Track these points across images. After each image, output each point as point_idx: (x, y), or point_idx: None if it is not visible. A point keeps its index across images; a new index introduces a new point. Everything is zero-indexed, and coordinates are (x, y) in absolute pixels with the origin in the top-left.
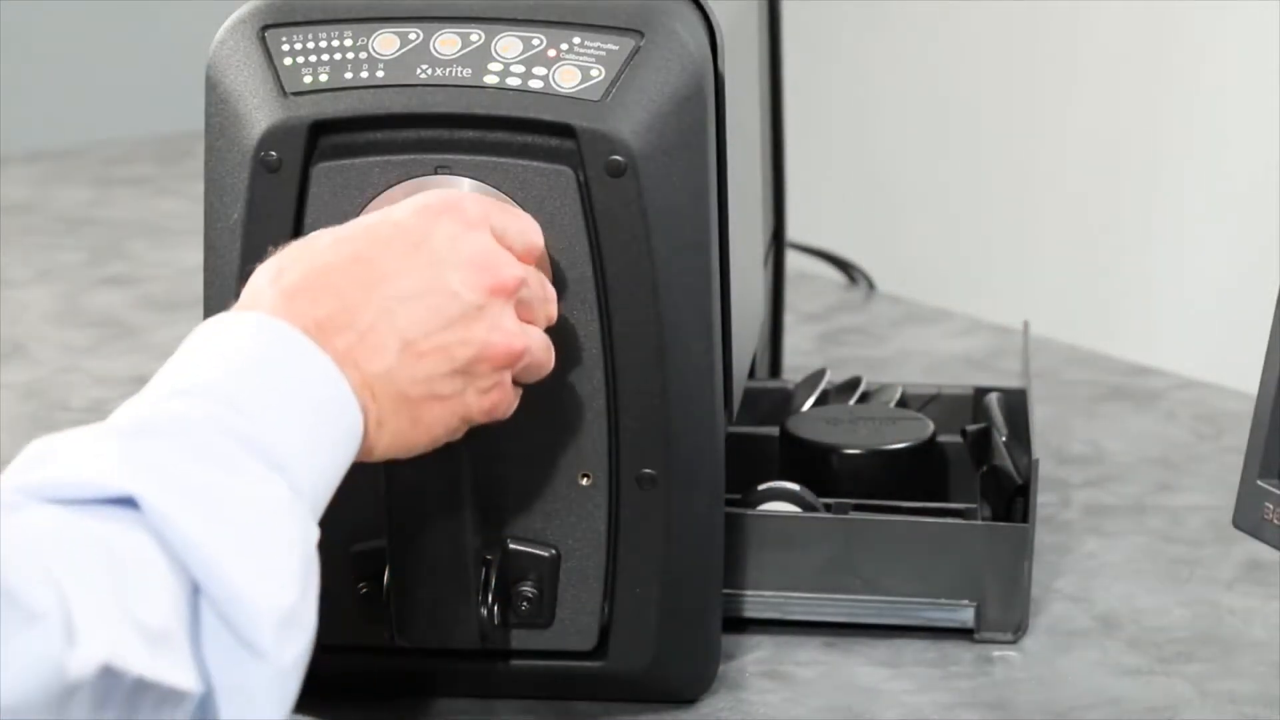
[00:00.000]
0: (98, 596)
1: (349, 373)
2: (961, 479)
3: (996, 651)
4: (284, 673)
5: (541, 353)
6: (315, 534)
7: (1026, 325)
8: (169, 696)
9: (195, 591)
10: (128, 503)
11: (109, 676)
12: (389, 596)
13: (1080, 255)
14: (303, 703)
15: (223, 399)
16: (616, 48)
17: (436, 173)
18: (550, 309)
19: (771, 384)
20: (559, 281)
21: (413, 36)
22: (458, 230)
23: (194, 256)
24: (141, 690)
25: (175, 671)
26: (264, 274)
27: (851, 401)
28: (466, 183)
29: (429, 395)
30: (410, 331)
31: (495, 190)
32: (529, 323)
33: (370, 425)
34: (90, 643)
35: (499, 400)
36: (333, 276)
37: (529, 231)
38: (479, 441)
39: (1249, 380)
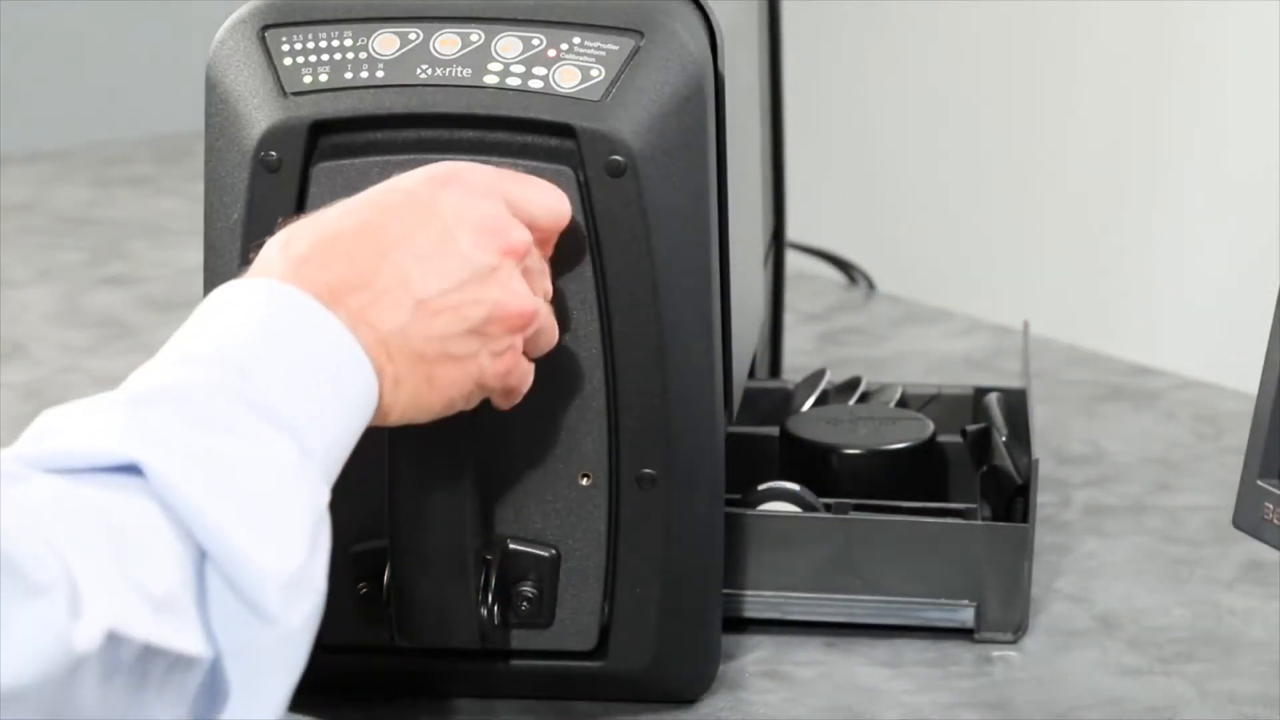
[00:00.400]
0: (100, 565)
1: (363, 332)
2: (961, 479)
3: (996, 651)
4: (291, 635)
5: (548, 320)
6: (325, 496)
7: (1026, 325)
8: (178, 663)
9: (201, 556)
10: (132, 470)
11: (114, 645)
12: (389, 596)
13: (1080, 255)
14: (303, 703)
15: (229, 365)
16: (616, 48)
17: None
18: (546, 283)
19: (771, 384)
20: (559, 281)
21: (413, 36)
22: (465, 197)
23: (194, 256)
24: (149, 657)
25: (182, 637)
26: (273, 244)
27: (851, 401)
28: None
29: (444, 355)
30: (423, 291)
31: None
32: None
33: (386, 385)
34: (93, 612)
35: (512, 365)
36: (343, 242)
37: (555, 201)
38: (480, 441)
39: (1249, 380)
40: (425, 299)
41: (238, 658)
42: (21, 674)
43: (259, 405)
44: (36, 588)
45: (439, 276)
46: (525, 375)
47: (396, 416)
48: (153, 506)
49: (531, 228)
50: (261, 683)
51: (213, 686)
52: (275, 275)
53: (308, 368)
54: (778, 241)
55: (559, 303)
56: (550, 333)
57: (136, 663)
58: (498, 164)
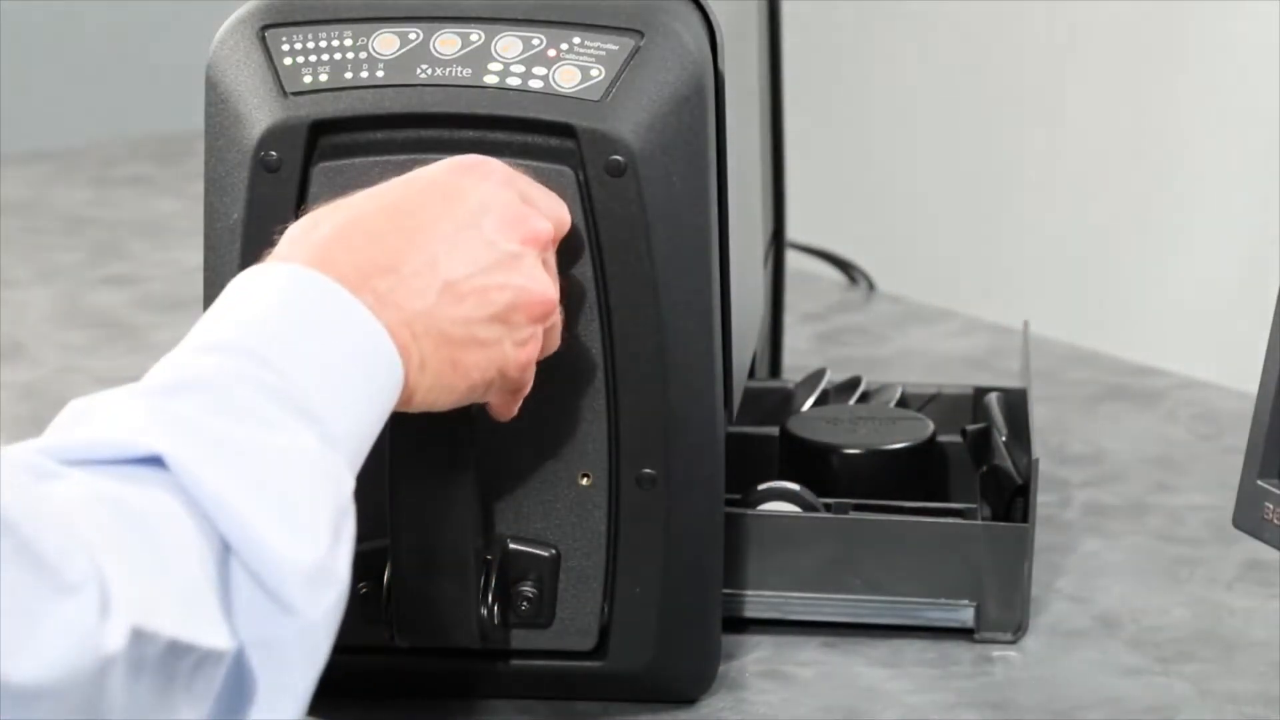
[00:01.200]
0: (126, 561)
1: (390, 314)
2: (961, 479)
3: (996, 651)
4: (314, 627)
5: (560, 320)
6: (349, 484)
7: (1026, 325)
8: (206, 658)
9: (224, 548)
10: (155, 462)
11: (140, 642)
12: (389, 596)
13: (1080, 255)
14: None
15: (250, 352)
16: (616, 48)
17: None
18: (557, 285)
19: (771, 384)
20: (559, 281)
21: (413, 36)
22: (488, 186)
23: (194, 256)
24: (176, 654)
25: (207, 631)
26: (298, 227)
27: (851, 401)
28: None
29: (469, 338)
30: (450, 273)
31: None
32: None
33: (412, 367)
34: (120, 610)
35: (533, 357)
36: (371, 224)
37: (556, 207)
38: (480, 441)
39: (1249, 380)
40: (452, 281)
41: (261, 650)
42: (51, 674)
43: (280, 393)
44: (68, 586)
45: (465, 260)
46: (531, 376)
47: (420, 400)
48: (175, 499)
49: None
50: (285, 674)
51: (237, 679)
52: (299, 259)
53: (330, 353)
54: (778, 241)
55: (563, 307)
56: (559, 334)
57: (163, 659)
58: None
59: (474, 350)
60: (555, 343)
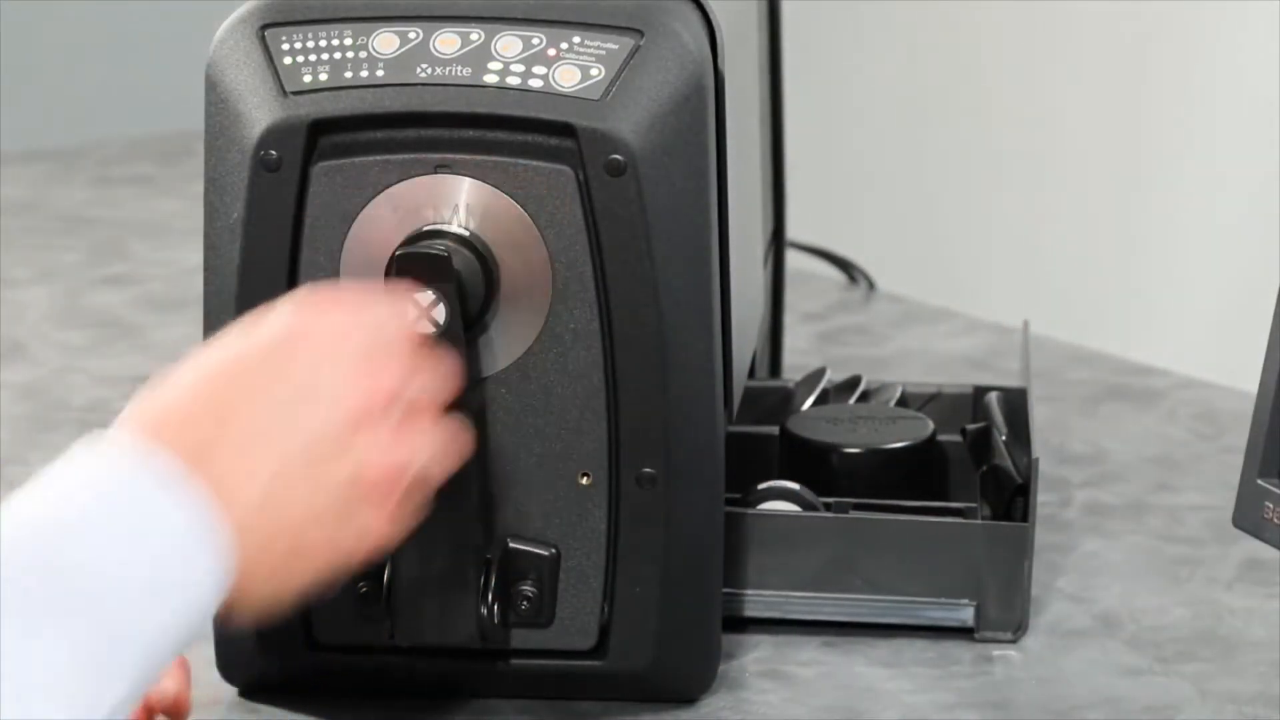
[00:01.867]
0: None
1: (216, 504)
2: (961, 479)
3: (996, 651)
4: None
5: (431, 453)
6: (122, 691)
7: (1026, 325)
8: None
9: None
10: None
11: None
12: (389, 596)
13: (1080, 255)
14: (303, 703)
15: (38, 549)
16: (616, 47)
17: (436, 172)
18: (450, 384)
19: (771, 384)
20: (559, 281)
21: (413, 36)
22: (317, 360)
23: (194, 256)
24: None
25: None
26: (131, 407)
27: (851, 401)
28: (466, 182)
29: (309, 519)
30: (283, 457)
31: (495, 188)
32: (420, 424)
33: (244, 557)
34: None
35: (398, 516)
36: (196, 408)
37: (405, 353)
38: (481, 440)
39: (1249, 380)
40: (284, 466)
41: None
42: None
43: (58, 594)
44: None
45: (297, 441)
46: (417, 489)
47: (259, 590)
48: None
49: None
50: None
51: None
52: (124, 444)
53: (137, 548)
54: (778, 241)
55: (563, 328)
56: (442, 463)
57: None
58: (497, 163)
59: (317, 530)
60: (440, 472)
